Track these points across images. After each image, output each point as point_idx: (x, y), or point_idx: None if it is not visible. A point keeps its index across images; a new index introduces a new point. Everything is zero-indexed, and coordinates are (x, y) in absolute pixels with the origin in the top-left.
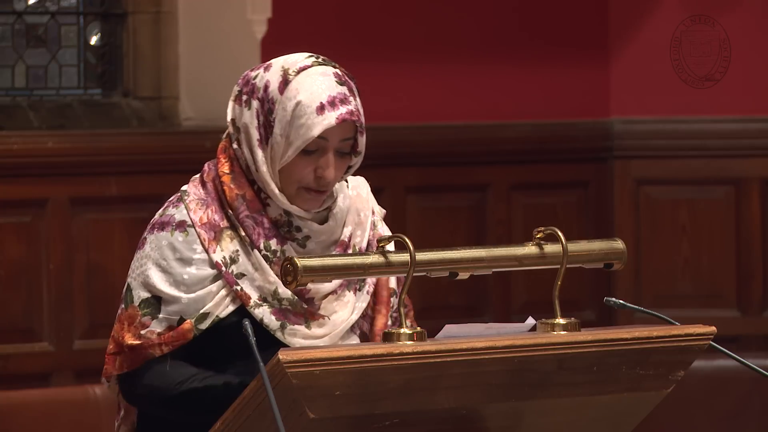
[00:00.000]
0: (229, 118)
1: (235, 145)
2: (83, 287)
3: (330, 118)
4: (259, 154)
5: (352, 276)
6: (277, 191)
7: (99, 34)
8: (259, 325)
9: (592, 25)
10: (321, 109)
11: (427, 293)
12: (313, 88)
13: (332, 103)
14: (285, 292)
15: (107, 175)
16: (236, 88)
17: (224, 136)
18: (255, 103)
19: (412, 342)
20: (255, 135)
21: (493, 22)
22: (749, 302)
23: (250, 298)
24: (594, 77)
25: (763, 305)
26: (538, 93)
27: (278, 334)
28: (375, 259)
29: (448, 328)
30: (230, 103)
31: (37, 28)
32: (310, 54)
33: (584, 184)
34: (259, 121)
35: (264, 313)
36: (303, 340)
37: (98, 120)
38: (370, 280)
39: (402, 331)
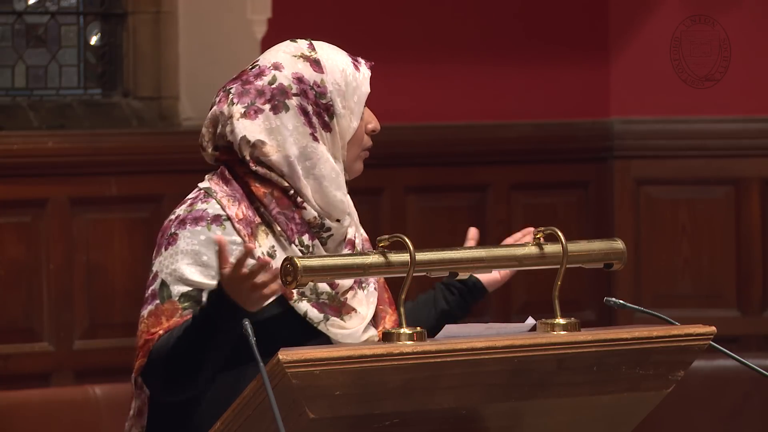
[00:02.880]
0: (246, 137)
1: (254, 167)
2: (83, 287)
3: (364, 70)
4: (317, 148)
5: (351, 276)
6: (341, 197)
7: (99, 34)
8: (302, 319)
9: (592, 25)
10: (356, 67)
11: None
12: (338, 54)
13: (354, 58)
14: (324, 286)
15: (107, 175)
16: (242, 107)
17: (215, 161)
18: (293, 102)
19: (412, 342)
20: (306, 131)
21: (493, 23)
22: (749, 302)
23: (292, 292)
24: (594, 77)
25: (763, 305)
26: (538, 93)
27: (321, 327)
28: (375, 259)
29: (448, 328)
30: (239, 122)
31: (37, 28)
32: (284, 42)
33: (584, 184)
34: (306, 115)
35: (307, 307)
36: (342, 331)
37: (98, 120)
38: (372, 279)
39: (402, 331)
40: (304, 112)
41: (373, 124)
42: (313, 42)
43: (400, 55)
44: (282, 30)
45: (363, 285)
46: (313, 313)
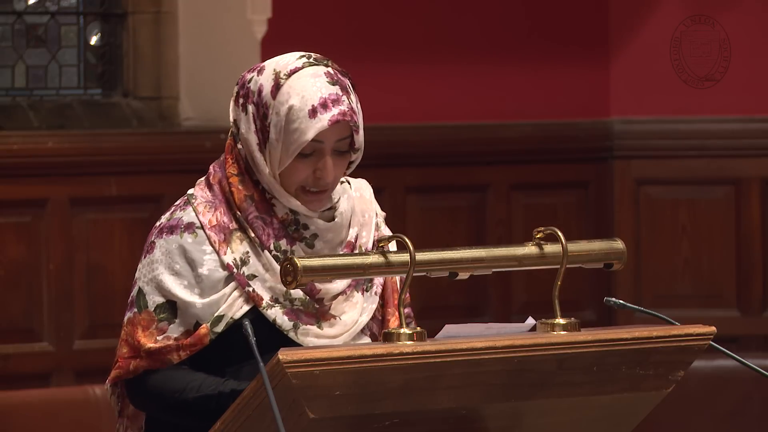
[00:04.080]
0: (231, 118)
1: (239, 146)
2: (83, 287)
3: (323, 120)
4: (260, 158)
5: (351, 276)
6: (282, 191)
7: (99, 34)
8: (272, 326)
9: (592, 25)
10: (313, 112)
11: (427, 293)
12: (305, 92)
13: (324, 105)
14: (297, 292)
15: (107, 175)
16: (235, 89)
17: (229, 134)
18: (251, 108)
19: (412, 342)
20: (254, 140)
21: (494, 22)
22: (749, 302)
23: (262, 299)
24: (594, 77)
25: (763, 305)
26: (539, 93)
27: (291, 335)
28: (375, 259)
29: (448, 328)
30: (231, 103)
31: (37, 28)
32: (303, 54)
33: (584, 184)
34: (255, 125)
35: (276, 314)
36: (316, 340)
37: (98, 120)
38: (378, 281)
39: (402, 331)
40: (254, 121)
41: (323, 173)
42: (304, 69)
43: (400, 55)
44: (282, 30)
45: (366, 287)
46: (283, 321)
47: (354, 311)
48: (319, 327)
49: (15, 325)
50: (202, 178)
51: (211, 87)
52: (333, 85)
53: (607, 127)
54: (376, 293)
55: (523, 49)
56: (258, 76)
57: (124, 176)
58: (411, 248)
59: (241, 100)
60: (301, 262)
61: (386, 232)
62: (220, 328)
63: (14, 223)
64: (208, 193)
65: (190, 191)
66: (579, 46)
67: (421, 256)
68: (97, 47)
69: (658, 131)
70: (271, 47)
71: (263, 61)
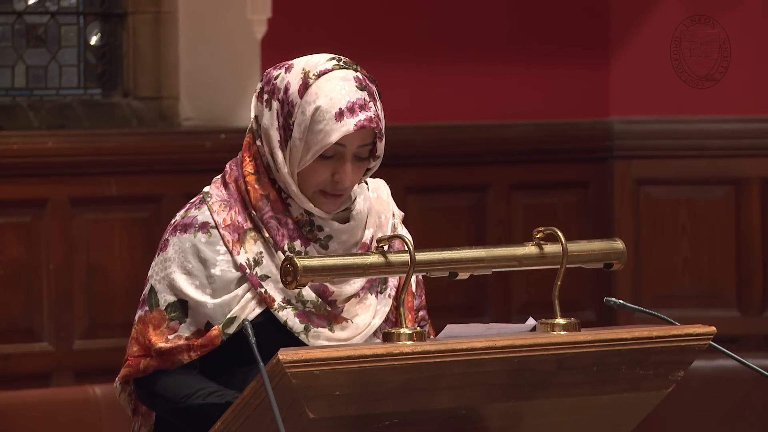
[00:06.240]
0: (252, 114)
1: (258, 142)
2: (83, 287)
3: (348, 124)
4: (280, 155)
5: (351, 276)
6: (298, 191)
7: (99, 34)
8: (283, 328)
9: (592, 25)
10: (340, 115)
11: (427, 293)
12: (333, 94)
13: (351, 110)
14: (309, 294)
15: (107, 175)
16: (259, 85)
17: (247, 131)
18: (275, 104)
19: (412, 342)
20: (275, 136)
21: (494, 22)
22: (749, 302)
23: (274, 300)
24: (594, 77)
25: (763, 305)
26: (538, 93)
27: (302, 337)
28: (375, 259)
29: (449, 328)
30: (253, 99)
31: (37, 28)
32: (332, 56)
33: (584, 184)
34: (279, 122)
35: (288, 316)
36: (326, 343)
37: (98, 120)
38: (392, 283)
39: (402, 331)
40: (277, 118)
41: (341, 177)
42: (334, 72)
43: (400, 55)
44: (282, 30)
45: (380, 289)
46: (294, 323)
47: (367, 314)
48: (331, 330)
49: (15, 325)
50: (218, 176)
51: (211, 87)
52: (361, 90)
53: (607, 127)
54: (389, 296)
55: (523, 49)
56: (285, 73)
57: (124, 176)
58: (411, 248)
59: (265, 96)
60: (301, 262)
61: (403, 232)
62: (231, 330)
63: (14, 223)
64: (223, 191)
65: (205, 189)
66: (579, 46)
67: (421, 256)
68: (97, 47)
69: (658, 131)
70: (271, 47)
71: (262, 61)
